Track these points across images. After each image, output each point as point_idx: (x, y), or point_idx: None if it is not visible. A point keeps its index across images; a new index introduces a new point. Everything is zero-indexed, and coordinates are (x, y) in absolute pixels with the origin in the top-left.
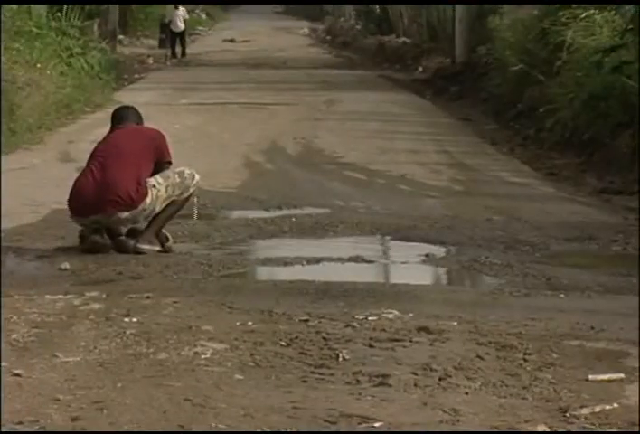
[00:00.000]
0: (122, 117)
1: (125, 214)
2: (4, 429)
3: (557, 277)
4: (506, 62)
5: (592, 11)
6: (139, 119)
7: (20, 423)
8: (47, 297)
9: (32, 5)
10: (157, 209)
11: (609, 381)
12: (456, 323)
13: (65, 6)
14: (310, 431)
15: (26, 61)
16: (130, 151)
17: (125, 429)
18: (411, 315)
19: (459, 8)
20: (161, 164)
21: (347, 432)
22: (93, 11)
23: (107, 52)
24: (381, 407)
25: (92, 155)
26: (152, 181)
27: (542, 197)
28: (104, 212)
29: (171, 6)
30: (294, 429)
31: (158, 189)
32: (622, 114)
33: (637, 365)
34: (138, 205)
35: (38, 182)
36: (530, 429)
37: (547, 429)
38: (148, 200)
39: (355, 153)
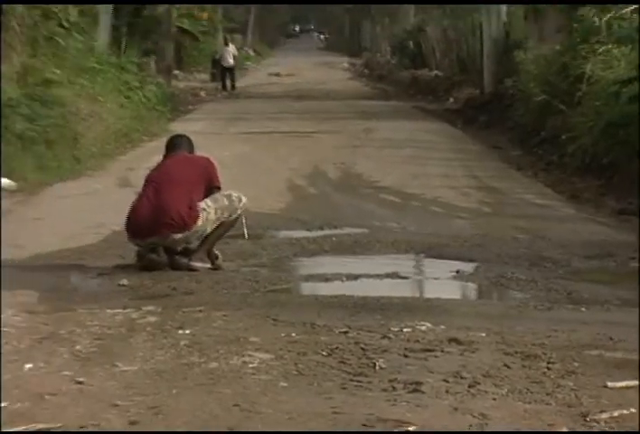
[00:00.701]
0: (175, 145)
1: (179, 236)
2: (4, 429)
3: (578, 291)
4: (530, 93)
5: (610, 46)
6: (191, 147)
7: (82, 427)
8: (107, 311)
9: (94, 43)
10: (208, 230)
11: (627, 388)
12: (484, 334)
13: (124, 44)
14: (315, 431)
15: (89, 95)
16: (182, 177)
17: (178, 432)
18: (443, 327)
19: (487, 43)
20: (211, 188)
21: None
22: (150, 48)
23: (162, 86)
24: (415, 412)
25: (147, 181)
26: (202, 204)
27: (565, 218)
28: (159, 235)
29: (222, 44)
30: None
31: (208, 212)
32: (639, 141)
33: None
34: (191, 227)
35: (100, 206)
36: (552, 432)
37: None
38: (200, 222)
39: (391, 177)
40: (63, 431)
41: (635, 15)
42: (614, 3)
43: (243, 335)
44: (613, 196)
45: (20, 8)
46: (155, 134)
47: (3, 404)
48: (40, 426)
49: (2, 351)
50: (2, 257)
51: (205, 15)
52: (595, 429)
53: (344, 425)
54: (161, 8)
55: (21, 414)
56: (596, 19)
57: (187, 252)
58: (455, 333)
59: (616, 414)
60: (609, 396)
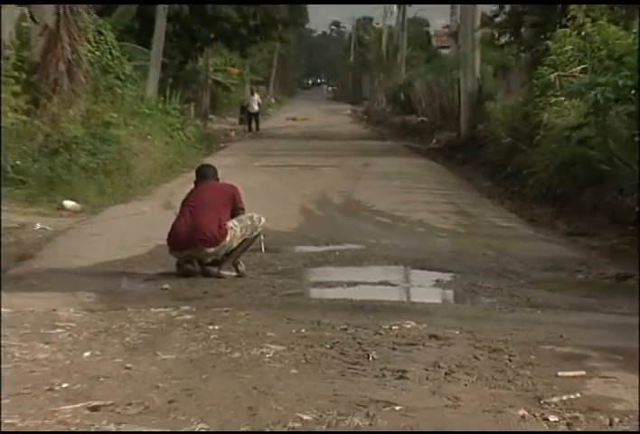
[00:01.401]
0: (205, 173)
1: (211, 250)
2: (4, 429)
3: (535, 297)
4: (499, 136)
5: (562, 98)
6: (216, 175)
7: (129, 404)
8: (152, 309)
9: (144, 92)
10: (234, 245)
11: (574, 377)
12: (458, 332)
13: (168, 93)
14: (312, 432)
15: (140, 134)
16: (213, 201)
17: (208, 410)
18: (425, 325)
19: (463, 95)
20: (236, 210)
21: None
22: (190, 96)
23: (199, 128)
24: (400, 395)
25: (183, 205)
26: (230, 224)
27: (525, 238)
28: (194, 248)
29: (248, 93)
30: (335, 412)
31: (235, 230)
32: (586, 176)
33: (595, 365)
34: (220, 243)
35: (146, 224)
36: (512, 412)
37: (526, 413)
38: (228, 238)
39: (384, 203)
40: (68, 431)
41: (582, 75)
42: (612, 3)
43: (262, 331)
44: (564, 220)
45: (85, 65)
46: (192, 166)
47: (64, 385)
48: (94, 403)
49: (64, 341)
50: (66, 266)
51: (235, 71)
52: (547, 411)
53: (343, 405)
54: (200, 64)
55: (79, 393)
56: (552, 76)
57: (217, 263)
58: (434, 330)
59: (564, 398)
60: (560, 383)
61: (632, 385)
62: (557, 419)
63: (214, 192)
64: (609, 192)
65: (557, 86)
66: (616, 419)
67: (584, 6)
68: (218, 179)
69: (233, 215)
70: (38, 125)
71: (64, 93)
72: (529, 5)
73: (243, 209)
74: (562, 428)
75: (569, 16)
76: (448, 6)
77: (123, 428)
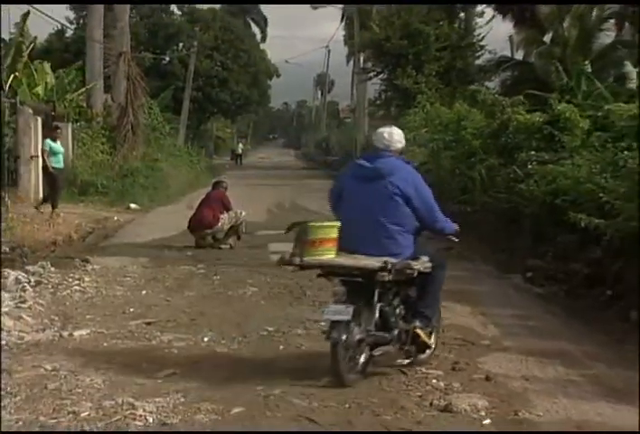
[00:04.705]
0: (214, 185)
1: (208, 231)
2: (3, 429)
3: None
4: None
5: (414, 147)
6: (225, 186)
7: (168, 321)
8: (181, 267)
9: (177, 142)
10: (225, 229)
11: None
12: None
13: (190, 142)
14: (310, 431)
15: (173, 166)
16: (211, 202)
17: (213, 324)
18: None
19: (359, 145)
20: (227, 208)
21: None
22: (203, 144)
23: (208, 162)
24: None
25: (199, 204)
26: (221, 216)
27: None
28: (200, 230)
29: (236, 143)
30: (286, 326)
31: (224, 220)
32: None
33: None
34: (214, 227)
35: (177, 217)
36: None
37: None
38: (219, 224)
39: (314, 205)
40: (67, 431)
41: (425, 134)
42: (612, 3)
43: (244, 279)
44: None
45: (142, 127)
46: (204, 185)
47: (131, 309)
48: (148, 320)
49: (130, 284)
50: (132, 241)
51: (229, 131)
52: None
53: (292, 321)
54: (208, 126)
55: (140, 314)
56: (409, 135)
57: (218, 240)
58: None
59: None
60: None
61: (453, 309)
62: None
63: (212, 197)
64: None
65: (412, 140)
66: (444, 325)
67: (427, 95)
68: (226, 188)
69: (225, 210)
70: (116, 160)
71: (130, 143)
72: (396, 94)
73: (231, 207)
74: None
75: (417, 101)
76: (349, 93)
77: (164, 335)
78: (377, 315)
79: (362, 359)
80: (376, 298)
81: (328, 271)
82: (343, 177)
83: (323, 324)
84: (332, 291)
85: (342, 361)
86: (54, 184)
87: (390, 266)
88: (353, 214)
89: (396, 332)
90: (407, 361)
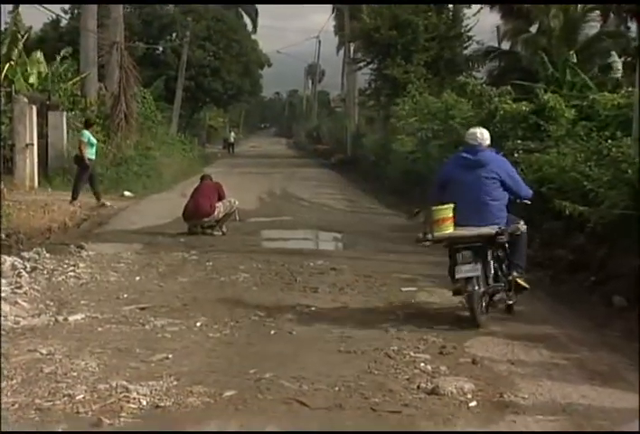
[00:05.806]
0: (203, 177)
1: (205, 219)
2: (3, 429)
3: (388, 247)
4: (368, 157)
5: (403, 136)
6: (210, 178)
7: (162, 306)
8: (174, 253)
9: (169, 131)
10: (220, 216)
11: (411, 291)
12: (346, 266)
13: (183, 131)
14: (309, 432)
15: (166, 154)
16: (206, 192)
17: (205, 309)
18: (327, 262)
19: (349, 133)
20: (221, 197)
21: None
22: (195, 133)
23: (201, 151)
24: (314, 301)
25: (191, 194)
26: (217, 204)
27: (384, 214)
28: (197, 219)
29: (228, 131)
30: (276, 311)
31: (219, 208)
32: (416, 179)
33: (422, 284)
34: (211, 216)
35: (171, 205)
36: (373, 306)
37: (381, 305)
38: (215, 213)
39: (305, 194)
40: (71, 432)
41: (414, 123)
42: (613, 3)
43: (236, 265)
44: (407, 204)
45: (135, 115)
46: (196, 173)
47: (125, 295)
48: (142, 305)
49: (124, 270)
50: (126, 228)
51: (221, 120)
52: (392, 305)
53: (285, 306)
54: (201, 115)
55: (133, 300)
56: (398, 124)
57: (211, 227)
58: (333, 265)
59: (399, 304)
60: (403, 294)
61: (441, 295)
62: (392, 310)
63: (208, 187)
64: (429, 187)
65: (401, 129)
66: (432, 310)
67: (416, 84)
68: (212, 179)
69: (219, 200)
70: (110, 149)
71: (124, 131)
72: (385, 84)
73: (224, 196)
74: (401, 314)
75: (407, 90)
76: (339, 83)
77: (158, 320)
78: (492, 270)
79: (484, 304)
80: (489, 258)
81: (452, 241)
82: (447, 167)
83: (313, 308)
84: (458, 256)
85: (477, 307)
86: (85, 174)
87: (503, 231)
88: (462, 195)
89: (505, 281)
90: (511, 301)
